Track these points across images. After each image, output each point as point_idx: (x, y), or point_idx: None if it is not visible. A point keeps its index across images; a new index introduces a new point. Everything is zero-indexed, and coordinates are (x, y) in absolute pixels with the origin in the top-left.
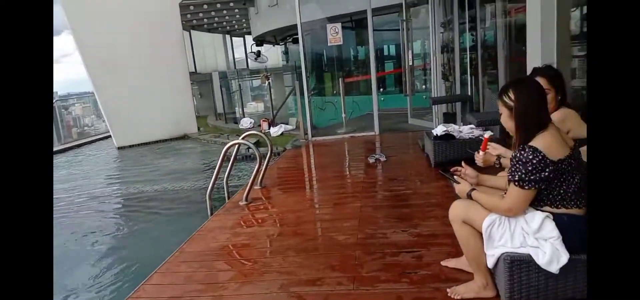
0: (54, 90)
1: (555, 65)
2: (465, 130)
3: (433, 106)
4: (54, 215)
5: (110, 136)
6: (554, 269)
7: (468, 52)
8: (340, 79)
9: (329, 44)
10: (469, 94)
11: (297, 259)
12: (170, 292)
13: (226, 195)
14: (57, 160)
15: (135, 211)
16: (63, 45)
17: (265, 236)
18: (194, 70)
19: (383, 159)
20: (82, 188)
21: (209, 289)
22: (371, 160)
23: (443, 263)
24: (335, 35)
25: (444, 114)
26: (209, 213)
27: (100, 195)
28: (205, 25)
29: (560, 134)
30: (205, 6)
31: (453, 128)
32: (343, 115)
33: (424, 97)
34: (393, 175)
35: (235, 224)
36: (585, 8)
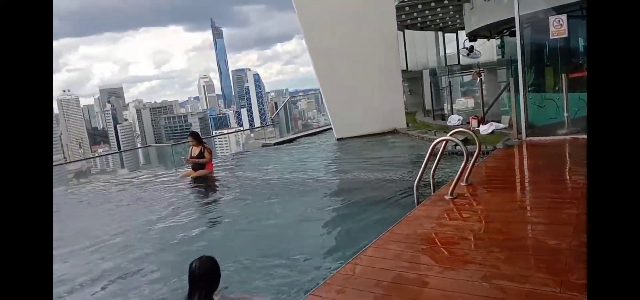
0: (285, 87)
1: None
2: None
3: None
4: (282, 193)
5: (330, 128)
6: None
7: None
8: (563, 74)
9: (551, 37)
10: None
11: (500, 256)
12: (381, 264)
13: (432, 188)
14: (284, 148)
15: (351, 194)
16: (293, 48)
17: (469, 230)
18: (405, 68)
19: None
20: (308, 172)
21: (414, 268)
22: None
23: None
24: (558, 27)
25: None
26: (416, 202)
27: (322, 178)
28: (418, 24)
29: None
30: (419, 6)
31: None
32: (565, 114)
33: None
34: None
35: (440, 216)
36: None
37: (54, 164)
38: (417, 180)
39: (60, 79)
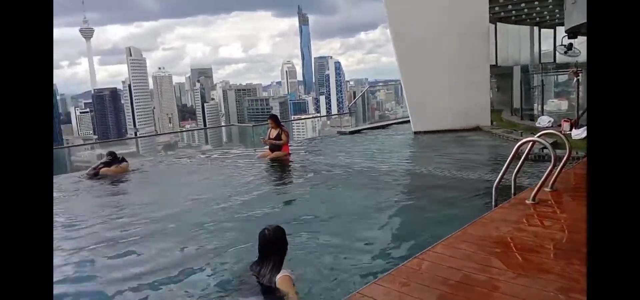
0: (365, 77)
1: None
2: None
3: None
4: (353, 180)
5: (407, 121)
6: None
7: None
8: None
9: None
10: None
11: (582, 269)
12: (449, 262)
13: (513, 190)
14: (359, 137)
15: (424, 188)
16: (377, 37)
17: (549, 239)
18: (494, 63)
19: None
20: (382, 163)
21: (484, 271)
22: None
23: None
24: None
25: None
26: (493, 204)
27: (396, 170)
28: (513, 17)
29: None
30: None
31: None
32: None
33: None
34: None
35: (518, 220)
36: None
37: (146, 135)
38: (497, 181)
39: (155, 57)
